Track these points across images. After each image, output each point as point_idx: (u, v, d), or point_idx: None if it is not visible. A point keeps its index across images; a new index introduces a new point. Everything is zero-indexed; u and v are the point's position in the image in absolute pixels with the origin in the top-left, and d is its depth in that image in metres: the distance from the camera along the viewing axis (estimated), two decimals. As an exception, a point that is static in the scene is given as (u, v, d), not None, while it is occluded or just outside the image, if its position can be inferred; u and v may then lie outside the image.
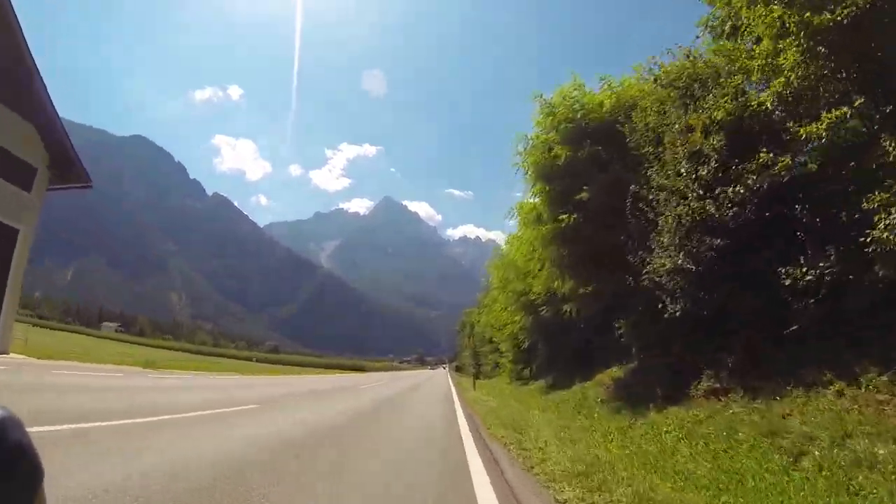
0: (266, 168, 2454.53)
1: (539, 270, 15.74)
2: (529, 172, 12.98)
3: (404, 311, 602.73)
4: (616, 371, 12.37)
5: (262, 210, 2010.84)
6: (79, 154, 16.50)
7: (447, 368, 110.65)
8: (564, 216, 11.24)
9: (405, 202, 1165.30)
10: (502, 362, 29.79)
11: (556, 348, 17.48)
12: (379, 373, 65.17)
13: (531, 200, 14.00)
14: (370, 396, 14.99)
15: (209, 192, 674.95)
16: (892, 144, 5.80)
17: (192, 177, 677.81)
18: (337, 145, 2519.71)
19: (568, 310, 14.05)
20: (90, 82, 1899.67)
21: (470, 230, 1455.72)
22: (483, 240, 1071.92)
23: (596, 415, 10.03)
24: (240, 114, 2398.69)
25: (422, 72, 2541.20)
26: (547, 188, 12.21)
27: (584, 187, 10.91)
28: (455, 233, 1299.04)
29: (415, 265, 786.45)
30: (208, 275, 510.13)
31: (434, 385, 27.48)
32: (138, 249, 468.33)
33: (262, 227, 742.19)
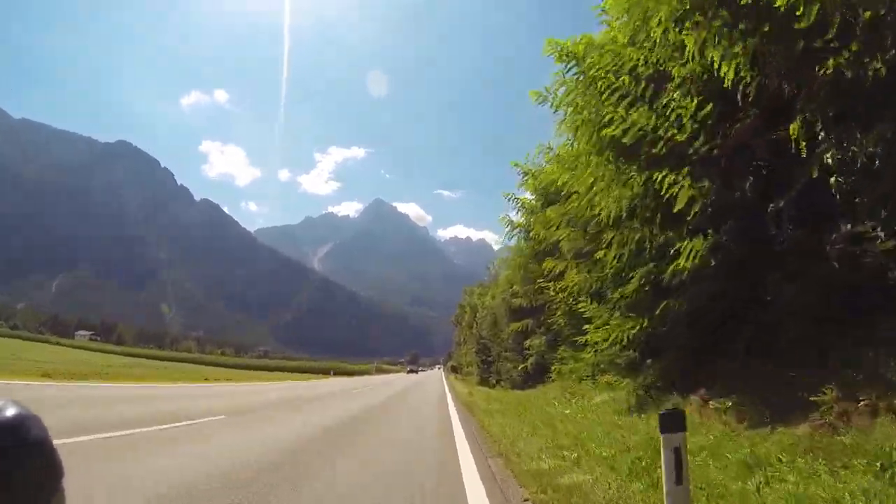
0: (255, 174, 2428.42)
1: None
2: None
3: (400, 312, 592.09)
4: None
5: (252, 216, 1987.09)
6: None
7: (442, 370, 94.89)
8: None
9: (395, 204, 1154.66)
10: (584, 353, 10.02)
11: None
12: (347, 377, 54.10)
13: None
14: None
15: (197, 199, 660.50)
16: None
17: (179, 183, 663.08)
18: (325, 148, 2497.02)
19: None
20: (74, 87, 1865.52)
21: (460, 230, 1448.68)
22: (473, 239, 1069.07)
23: None
24: (227, 119, 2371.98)
25: (410, 72, 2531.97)
26: None
27: None
28: (445, 233, 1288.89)
29: (408, 267, 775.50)
30: (200, 282, 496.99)
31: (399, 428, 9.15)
32: (127, 259, 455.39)
33: (251, 232, 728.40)
